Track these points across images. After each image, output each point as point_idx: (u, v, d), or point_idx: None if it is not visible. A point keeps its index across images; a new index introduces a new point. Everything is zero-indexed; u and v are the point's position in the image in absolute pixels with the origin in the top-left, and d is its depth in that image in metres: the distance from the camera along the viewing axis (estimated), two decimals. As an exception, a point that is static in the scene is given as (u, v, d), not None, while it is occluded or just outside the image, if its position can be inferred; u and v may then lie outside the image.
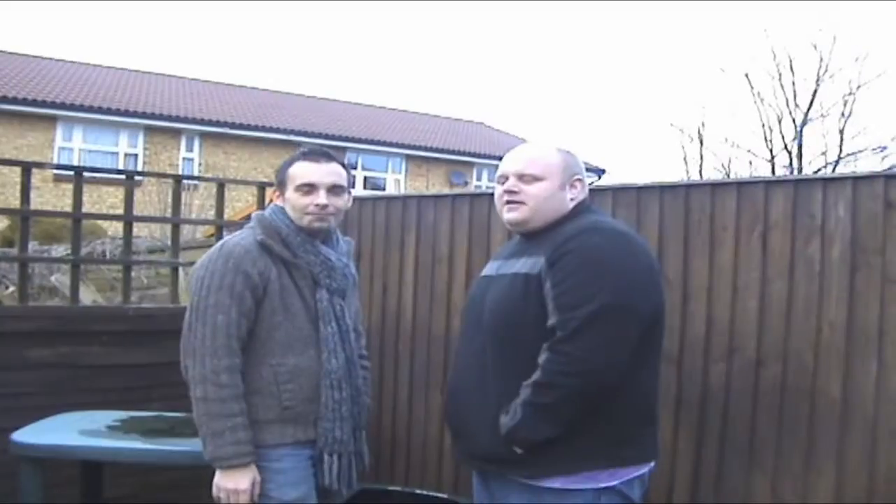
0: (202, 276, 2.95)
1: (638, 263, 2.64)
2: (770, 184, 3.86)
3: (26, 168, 5.15)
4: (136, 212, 5.78)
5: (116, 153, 21.37)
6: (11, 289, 8.03)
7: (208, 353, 2.87)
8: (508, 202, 2.82)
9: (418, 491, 4.65)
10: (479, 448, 2.74)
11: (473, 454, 2.81)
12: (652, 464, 2.74)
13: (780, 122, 26.03)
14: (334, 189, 3.10)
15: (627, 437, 2.64)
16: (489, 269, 2.96)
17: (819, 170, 24.03)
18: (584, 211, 2.84)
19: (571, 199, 2.82)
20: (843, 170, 22.89)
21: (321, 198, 3.05)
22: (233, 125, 22.39)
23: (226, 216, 6.08)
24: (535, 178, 2.78)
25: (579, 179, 2.86)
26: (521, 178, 2.79)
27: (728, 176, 24.44)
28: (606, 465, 2.59)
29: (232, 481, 2.86)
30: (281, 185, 3.14)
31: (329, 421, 3.02)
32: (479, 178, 26.91)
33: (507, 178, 2.83)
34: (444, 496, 4.56)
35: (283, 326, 3.00)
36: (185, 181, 6.91)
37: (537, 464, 2.57)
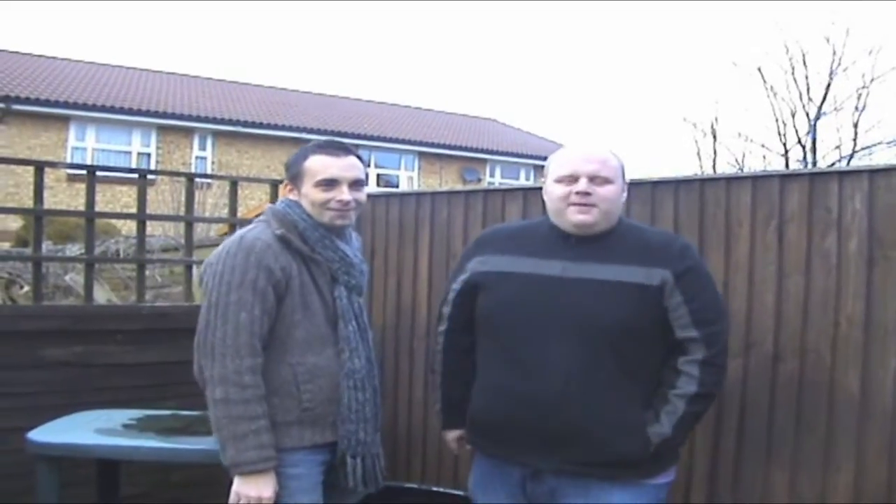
0: (220, 272, 2.80)
1: None
2: (785, 177, 3.83)
3: (39, 168, 5.15)
4: (150, 210, 5.78)
5: (129, 152, 21.44)
6: (26, 288, 8.05)
7: (230, 352, 2.73)
8: (579, 204, 2.75)
9: (435, 488, 4.65)
10: (609, 453, 2.67)
11: (576, 459, 2.70)
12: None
13: (793, 116, 25.96)
14: (355, 184, 3.00)
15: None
16: (532, 266, 2.82)
17: (833, 164, 23.95)
18: (624, 219, 2.94)
19: (623, 203, 2.90)
20: (857, 164, 22.79)
21: (344, 193, 2.95)
22: (245, 123, 22.44)
23: (239, 214, 6.08)
24: (607, 181, 2.77)
25: (627, 185, 2.92)
26: (594, 179, 2.75)
27: (742, 170, 24.36)
28: (678, 458, 2.90)
29: (255, 488, 2.71)
30: (295, 179, 3.01)
31: (352, 423, 2.92)
32: (492, 175, 26.91)
33: (576, 179, 2.76)
34: (461, 493, 4.55)
35: (303, 325, 2.89)
36: (198, 179, 6.91)
37: (659, 462, 2.75)
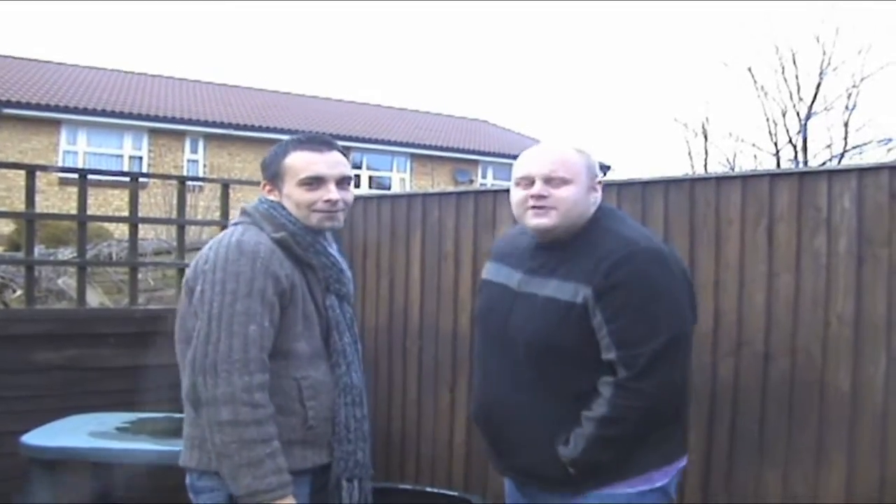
0: (222, 280, 2.48)
1: (680, 284, 2.65)
2: (775, 177, 3.85)
3: (31, 171, 5.17)
4: (142, 214, 5.80)
5: (121, 156, 21.39)
6: (18, 292, 8.03)
7: (237, 368, 2.40)
8: (535, 207, 2.64)
9: (429, 489, 4.66)
10: (523, 465, 2.73)
11: (516, 469, 2.79)
12: (686, 456, 2.82)
13: (784, 115, 26.05)
14: (342, 182, 2.72)
15: (671, 436, 2.72)
16: (503, 275, 2.83)
17: (824, 163, 24.02)
18: (602, 215, 2.73)
19: (593, 203, 2.71)
20: (848, 162, 22.86)
21: (331, 192, 2.67)
22: (237, 126, 22.43)
23: (230, 217, 6.09)
24: (564, 182, 2.63)
25: (599, 181, 2.76)
26: (549, 181, 2.63)
27: (733, 170, 24.42)
28: (661, 464, 2.67)
29: None
30: (275, 178, 2.73)
31: (350, 443, 2.68)
32: (483, 176, 26.92)
33: (532, 182, 2.66)
34: (455, 493, 4.57)
35: (304, 337, 2.63)
36: (189, 182, 6.92)
37: (587, 482, 2.61)
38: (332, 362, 2.71)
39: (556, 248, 2.68)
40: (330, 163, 2.71)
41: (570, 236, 2.67)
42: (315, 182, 2.67)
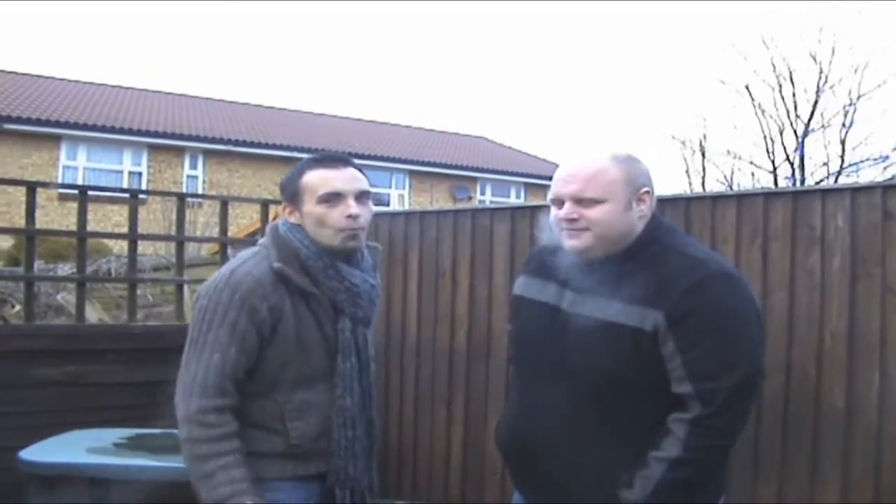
0: (205, 307, 2.60)
1: (752, 313, 2.39)
2: (769, 196, 3.88)
3: (31, 188, 5.19)
4: (141, 230, 5.82)
5: (121, 171, 21.40)
6: (18, 308, 8.04)
7: (197, 392, 2.53)
8: (567, 229, 2.43)
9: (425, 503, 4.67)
10: (569, 499, 2.47)
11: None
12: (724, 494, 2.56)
13: (781, 133, 26.12)
14: (361, 196, 2.69)
15: (721, 474, 2.51)
16: (547, 293, 2.57)
17: (821, 180, 24.06)
18: (662, 231, 2.50)
19: (640, 217, 2.45)
20: (845, 180, 22.90)
21: (351, 207, 2.63)
22: (236, 142, 22.44)
23: (230, 233, 6.12)
24: (595, 202, 2.39)
25: (647, 191, 2.48)
26: (580, 202, 2.40)
27: (731, 188, 24.47)
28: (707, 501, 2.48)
29: None
30: (294, 198, 2.70)
31: (342, 459, 2.74)
32: (482, 193, 26.94)
33: (562, 203, 2.44)
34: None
35: (295, 363, 2.65)
36: (188, 199, 6.95)
37: None
38: (333, 383, 2.73)
39: (611, 265, 2.43)
40: (347, 178, 2.69)
41: (623, 252, 2.44)
42: (333, 198, 2.64)
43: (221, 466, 2.51)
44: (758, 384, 2.39)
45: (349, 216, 2.64)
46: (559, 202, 2.46)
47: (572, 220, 2.41)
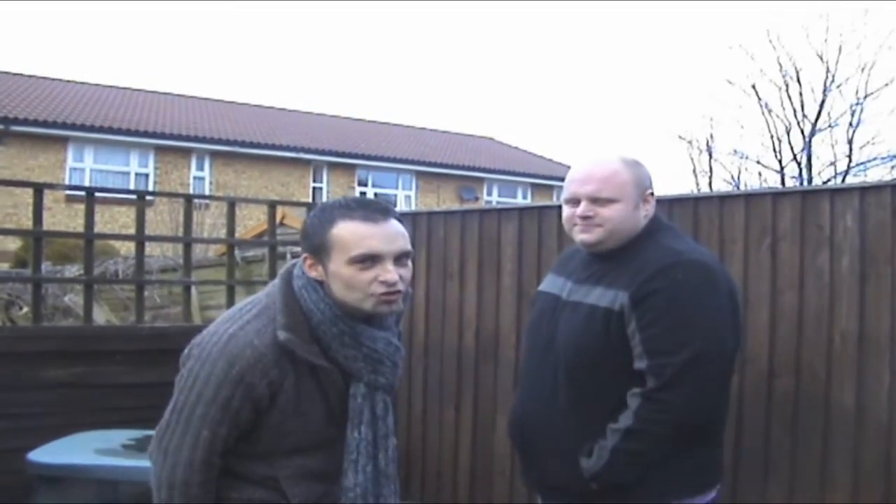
0: (196, 373, 2.30)
1: (722, 300, 2.57)
2: (778, 195, 3.87)
3: (38, 189, 5.19)
4: (148, 231, 5.82)
5: (128, 173, 21.44)
6: (25, 309, 8.05)
7: (183, 463, 2.31)
8: (582, 225, 2.67)
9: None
10: (549, 478, 2.71)
11: (543, 483, 2.78)
12: (718, 485, 2.70)
13: (788, 132, 26.00)
14: (402, 258, 2.30)
15: (702, 464, 2.63)
16: (557, 286, 2.82)
17: (828, 180, 23.98)
18: (657, 229, 2.72)
19: (644, 216, 2.70)
20: (852, 180, 22.84)
21: (389, 272, 2.25)
22: (243, 143, 22.46)
23: (237, 234, 6.12)
24: (610, 201, 2.62)
25: (651, 193, 2.73)
26: (595, 201, 2.63)
27: (738, 188, 24.41)
28: (693, 493, 2.59)
29: None
30: (319, 251, 2.29)
31: None
32: (489, 193, 26.94)
33: (578, 202, 2.67)
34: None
35: (295, 434, 2.36)
36: (195, 200, 6.95)
37: (620, 494, 2.54)
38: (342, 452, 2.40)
39: (607, 259, 2.67)
40: (388, 236, 2.28)
41: (622, 248, 2.66)
42: (369, 260, 2.24)
43: None
44: (715, 366, 2.52)
45: (384, 281, 2.25)
46: (575, 201, 2.68)
47: (587, 218, 2.63)
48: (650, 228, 2.70)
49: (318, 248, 2.29)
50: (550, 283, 2.88)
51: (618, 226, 2.63)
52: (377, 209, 2.30)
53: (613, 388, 2.53)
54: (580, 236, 2.68)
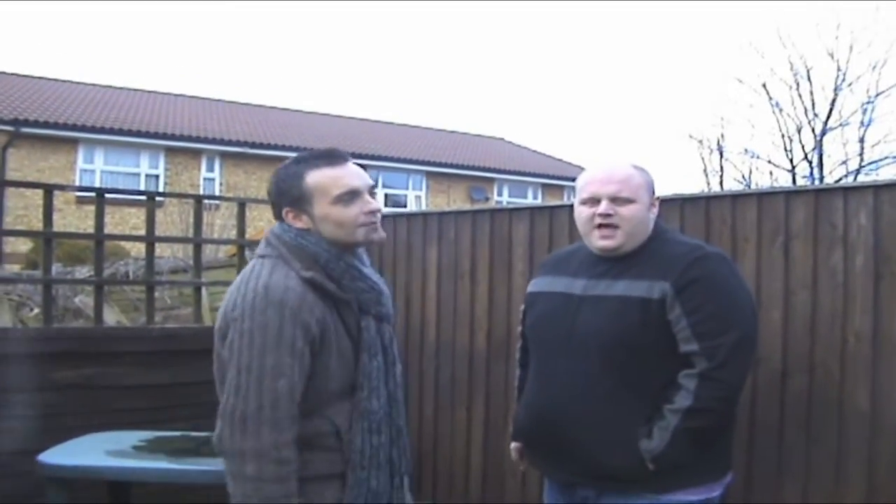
0: (250, 330, 2.37)
1: (746, 287, 2.84)
2: (790, 194, 3.84)
3: (48, 190, 5.19)
4: (158, 232, 5.82)
5: (138, 174, 21.48)
6: (36, 311, 8.06)
7: (267, 424, 2.32)
8: (602, 226, 2.77)
9: (445, 505, 4.65)
10: (599, 467, 2.69)
11: (589, 472, 2.74)
12: (730, 471, 2.88)
13: (799, 131, 25.96)
14: (371, 191, 2.59)
15: (727, 448, 2.85)
16: (561, 284, 2.91)
17: (840, 179, 23.91)
18: (663, 230, 2.91)
19: (652, 219, 2.86)
20: (864, 178, 22.76)
21: (370, 203, 2.55)
22: (253, 144, 22.49)
23: (247, 235, 6.11)
24: (629, 201, 2.77)
25: (658, 198, 2.91)
26: (615, 200, 2.76)
27: (749, 187, 24.35)
28: (719, 476, 2.79)
29: None
30: (299, 201, 2.54)
31: (363, 469, 2.51)
32: (499, 194, 26.94)
33: (598, 202, 2.79)
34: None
35: (338, 374, 2.49)
36: (206, 201, 6.95)
37: (666, 479, 2.65)
38: (356, 384, 2.54)
39: (621, 258, 2.80)
40: (357, 174, 2.58)
41: (634, 249, 2.80)
42: (351, 196, 2.52)
43: None
44: (754, 345, 2.76)
45: (369, 211, 2.54)
46: (594, 201, 2.80)
47: (608, 216, 2.75)
48: (657, 230, 2.87)
49: (297, 199, 2.54)
50: (550, 283, 2.98)
51: (635, 226, 2.77)
52: (337, 155, 2.59)
53: (659, 373, 2.67)
54: (600, 242, 2.79)
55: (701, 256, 2.72)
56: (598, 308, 2.74)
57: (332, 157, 2.59)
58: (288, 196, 2.57)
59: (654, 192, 2.88)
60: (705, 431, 2.63)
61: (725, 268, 2.76)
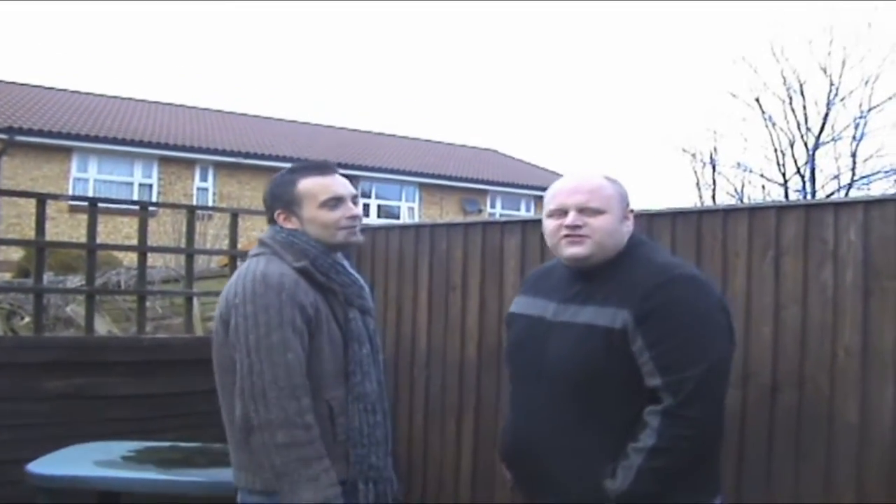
0: (254, 313, 2.67)
1: (716, 311, 2.58)
2: (781, 209, 3.85)
3: (41, 199, 5.19)
4: (151, 242, 5.82)
5: (131, 183, 21.47)
6: (27, 319, 8.04)
7: (285, 394, 2.62)
8: (569, 236, 2.63)
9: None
10: (566, 497, 2.60)
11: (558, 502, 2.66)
12: (719, 495, 2.69)
13: (792, 146, 26.07)
14: (355, 199, 2.96)
15: (714, 472, 2.67)
16: (536, 307, 2.79)
17: (832, 193, 23.99)
18: (637, 244, 2.72)
19: (626, 232, 2.70)
20: (856, 193, 22.84)
21: (352, 209, 2.91)
22: (246, 155, 22.49)
23: (240, 246, 6.11)
24: (598, 212, 2.62)
25: (631, 210, 2.75)
26: (583, 211, 2.62)
27: (741, 201, 24.42)
28: (706, 500, 2.62)
29: None
30: (290, 204, 2.90)
31: (363, 447, 2.83)
32: (492, 206, 26.97)
33: (566, 212, 2.65)
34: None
35: (331, 358, 2.81)
36: (199, 211, 6.96)
37: None
38: (348, 371, 2.85)
39: (592, 277, 2.65)
40: (342, 183, 2.93)
41: (606, 265, 2.64)
42: (335, 202, 2.88)
43: (324, 469, 2.64)
44: (724, 375, 2.56)
45: (351, 216, 2.91)
46: (562, 212, 2.67)
47: (576, 227, 2.62)
48: (631, 244, 2.70)
49: (289, 202, 2.91)
50: (526, 305, 2.87)
51: (606, 238, 2.63)
52: (326, 166, 2.98)
53: (625, 407, 2.51)
54: (569, 250, 2.65)
55: (665, 281, 2.53)
56: (565, 335, 2.61)
57: (321, 167, 2.96)
58: (281, 200, 2.93)
59: (627, 204, 2.73)
60: (672, 470, 2.46)
61: (693, 292, 2.55)
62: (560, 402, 2.60)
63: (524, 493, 2.89)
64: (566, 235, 2.64)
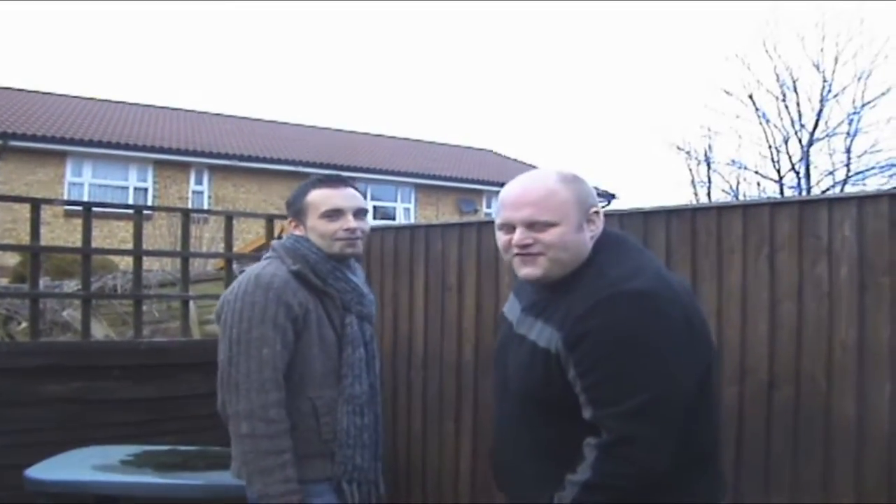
0: (240, 309, 2.87)
1: (671, 330, 2.20)
2: (775, 205, 3.86)
3: (36, 204, 5.18)
4: (147, 246, 5.81)
5: (126, 187, 21.45)
6: (23, 324, 8.04)
7: (254, 387, 2.79)
8: (520, 255, 2.34)
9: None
10: None
11: None
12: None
13: (786, 142, 26.09)
14: (359, 213, 3.10)
15: (714, 479, 2.41)
16: (514, 312, 2.54)
17: (827, 189, 24.02)
18: (602, 249, 2.37)
19: (591, 237, 2.36)
20: (851, 189, 22.86)
21: (350, 222, 3.05)
22: (241, 157, 22.46)
23: (235, 248, 6.11)
24: (549, 224, 2.29)
25: (596, 211, 2.38)
26: (532, 226, 2.31)
27: (736, 198, 24.42)
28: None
29: None
30: (299, 214, 3.11)
31: (349, 448, 2.96)
32: (488, 206, 26.93)
33: (513, 228, 2.35)
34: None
35: (320, 359, 2.96)
36: (194, 214, 6.95)
37: None
38: (340, 373, 3.00)
39: (555, 287, 2.36)
40: (346, 196, 3.08)
41: (569, 276, 2.34)
42: (335, 214, 3.04)
43: (279, 464, 2.77)
44: (671, 410, 2.18)
45: (347, 229, 3.04)
46: (509, 227, 2.38)
47: (526, 246, 2.33)
48: (596, 249, 2.37)
49: (298, 211, 3.11)
50: (510, 307, 2.62)
51: (561, 252, 2.31)
52: (337, 179, 3.15)
53: (568, 433, 2.24)
54: (523, 270, 2.36)
55: (604, 299, 2.19)
56: (520, 350, 2.38)
57: (332, 180, 3.15)
58: (293, 208, 3.14)
59: (589, 206, 2.37)
60: None
61: (636, 312, 2.17)
62: (517, 421, 2.43)
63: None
64: (517, 254, 2.36)
